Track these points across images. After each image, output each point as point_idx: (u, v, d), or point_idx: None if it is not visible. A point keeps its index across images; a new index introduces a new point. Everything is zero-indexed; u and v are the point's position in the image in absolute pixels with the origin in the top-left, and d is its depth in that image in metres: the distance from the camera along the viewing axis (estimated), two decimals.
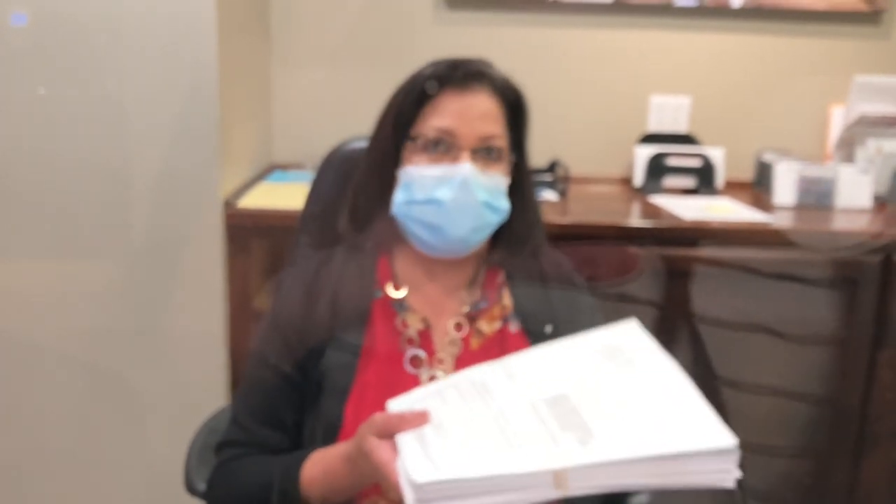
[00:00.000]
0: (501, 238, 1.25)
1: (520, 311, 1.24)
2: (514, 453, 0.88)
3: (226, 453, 1.22)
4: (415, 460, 0.90)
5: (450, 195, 1.15)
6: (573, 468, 0.85)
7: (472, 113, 1.16)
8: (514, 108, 1.22)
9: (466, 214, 1.16)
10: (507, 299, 1.25)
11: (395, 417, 0.99)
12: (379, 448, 0.97)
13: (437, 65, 1.20)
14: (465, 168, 1.15)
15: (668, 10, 2.31)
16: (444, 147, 1.16)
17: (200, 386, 1.91)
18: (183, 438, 1.40)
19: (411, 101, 1.18)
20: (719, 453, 0.85)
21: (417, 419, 0.97)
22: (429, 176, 1.16)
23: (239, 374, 1.90)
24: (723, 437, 0.86)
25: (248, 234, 1.91)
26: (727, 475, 0.86)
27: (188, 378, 1.92)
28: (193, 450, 1.37)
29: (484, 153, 1.17)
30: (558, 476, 0.84)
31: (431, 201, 1.16)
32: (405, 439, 0.95)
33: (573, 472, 0.85)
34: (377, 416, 1.00)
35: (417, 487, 0.86)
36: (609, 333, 1.07)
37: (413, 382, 1.18)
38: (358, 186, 1.25)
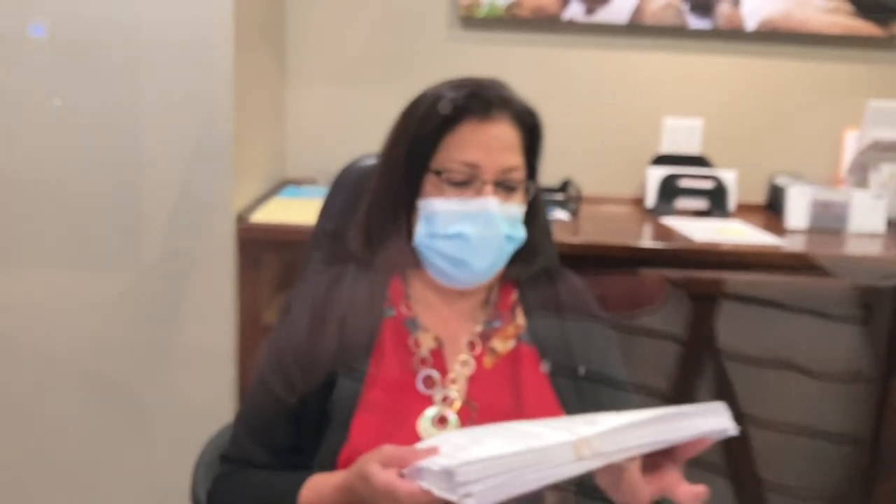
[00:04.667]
0: (514, 256, 1.25)
1: (532, 332, 1.23)
2: (536, 439, 0.92)
3: (223, 467, 1.23)
4: (443, 459, 0.92)
5: (474, 230, 1.15)
6: (589, 437, 0.91)
7: (496, 144, 1.15)
8: (531, 135, 1.21)
9: (490, 248, 1.16)
10: (520, 318, 1.24)
11: (405, 449, 0.98)
12: (381, 472, 0.96)
13: (455, 89, 1.17)
14: (491, 204, 1.14)
15: (682, 33, 2.32)
16: (467, 179, 1.15)
17: (209, 400, 1.91)
18: (190, 453, 1.40)
19: (431, 130, 1.16)
20: (711, 409, 0.97)
21: (429, 452, 0.96)
22: (453, 210, 1.15)
23: (247, 389, 1.90)
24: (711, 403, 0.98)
25: (260, 249, 1.91)
26: (726, 424, 0.97)
27: (197, 392, 1.92)
28: (200, 465, 1.37)
29: (505, 185, 1.16)
30: (577, 447, 0.90)
31: (456, 236, 1.15)
32: (427, 461, 0.95)
33: (589, 441, 0.90)
34: (386, 447, 0.99)
35: (451, 472, 0.88)
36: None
37: (425, 402, 1.17)
38: (371, 208, 1.24)
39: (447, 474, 0.89)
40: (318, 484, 1.10)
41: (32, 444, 1.96)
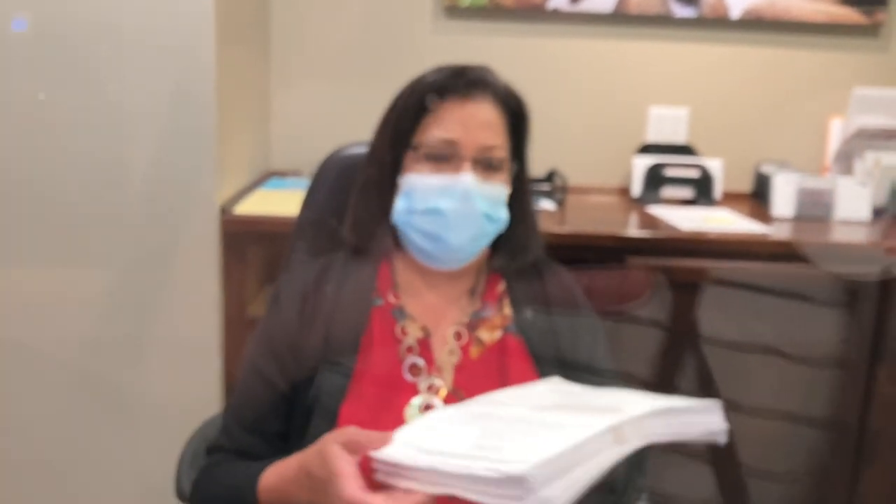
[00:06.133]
0: (500, 247, 1.25)
1: (519, 323, 1.23)
2: (570, 429, 0.86)
3: (211, 458, 1.22)
4: (497, 463, 0.81)
5: (451, 205, 1.15)
6: (628, 420, 0.88)
7: (474, 122, 1.16)
8: (516, 117, 1.22)
9: (467, 225, 1.16)
10: (507, 308, 1.24)
11: (364, 434, 0.95)
12: (341, 457, 0.93)
13: (439, 72, 1.20)
14: (467, 179, 1.15)
15: (668, 21, 2.31)
16: (445, 156, 1.16)
17: (194, 393, 1.90)
18: (176, 446, 1.39)
19: (412, 109, 1.18)
20: (711, 408, 0.96)
21: (383, 439, 0.93)
22: (430, 185, 1.16)
23: (233, 381, 1.89)
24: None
25: (245, 241, 1.90)
26: (720, 427, 0.96)
27: (182, 385, 1.91)
28: (185, 457, 1.36)
29: (485, 163, 1.17)
30: (616, 432, 0.86)
31: (432, 211, 1.16)
32: (403, 454, 0.89)
33: (628, 425, 0.88)
34: (349, 428, 0.97)
35: (521, 479, 0.78)
36: (541, 387, 1.09)
37: (412, 391, 1.17)
38: (359, 194, 1.25)
39: (518, 480, 0.78)
40: (280, 465, 1.08)
41: (16, 439, 1.95)
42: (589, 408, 0.95)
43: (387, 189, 1.21)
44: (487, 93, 1.18)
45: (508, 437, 0.88)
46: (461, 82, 1.17)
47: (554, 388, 1.08)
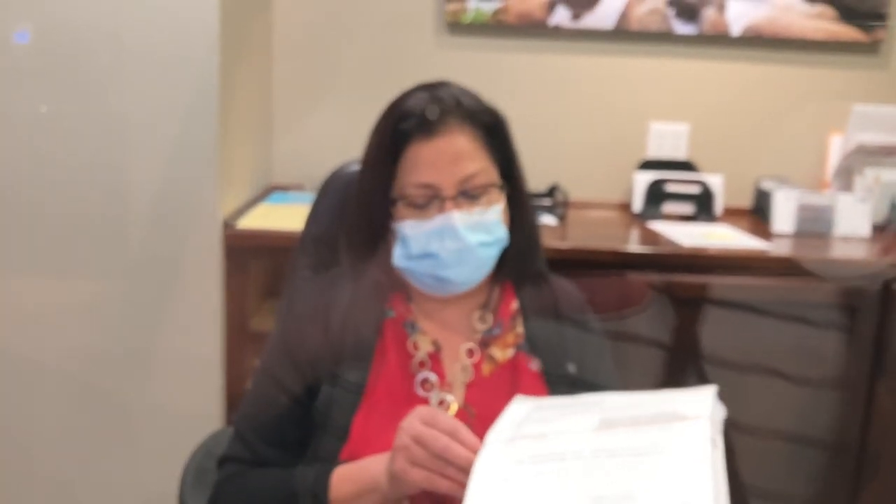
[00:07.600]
0: (505, 254, 1.24)
1: (532, 342, 1.23)
2: (685, 457, 0.85)
3: (228, 469, 1.21)
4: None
5: (443, 247, 1.15)
6: (713, 425, 0.89)
7: (446, 159, 1.14)
8: (490, 129, 1.19)
9: (464, 260, 1.16)
10: (520, 327, 1.24)
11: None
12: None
13: (404, 108, 1.17)
14: (451, 218, 1.14)
15: (669, 38, 2.33)
16: (427, 199, 1.15)
17: (196, 407, 1.90)
18: (178, 460, 1.39)
19: (385, 159, 1.17)
20: (712, 392, 0.97)
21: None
22: (419, 232, 1.16)
23: (235, 394, 1.89)
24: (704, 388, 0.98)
25: (247, 255, 1.91)
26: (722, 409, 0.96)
27: (184, 398, 1.91)
28: (188, 471, 1.36)
29: (468, 194, 1.16)
30: (713, 441, 0.86)
31: (427, 256, 1.16)
32: None
33: (713, 429, 0.88)
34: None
35: None
36: (518, 408, 1.05)
37: (423, 405, 1.17)
38: (352, 229, 1.24)
39: None
40: (351, 470, 1.11)
41: (17, 453, 1.95)
42: (643, 419, 0.92)
43: (380, 230, 1.20)
44: (452, 121, 1.15)
45: (632, 486, 0.82)
46: (423, 123, 1.15)
47: (542, 405, 1.05)
